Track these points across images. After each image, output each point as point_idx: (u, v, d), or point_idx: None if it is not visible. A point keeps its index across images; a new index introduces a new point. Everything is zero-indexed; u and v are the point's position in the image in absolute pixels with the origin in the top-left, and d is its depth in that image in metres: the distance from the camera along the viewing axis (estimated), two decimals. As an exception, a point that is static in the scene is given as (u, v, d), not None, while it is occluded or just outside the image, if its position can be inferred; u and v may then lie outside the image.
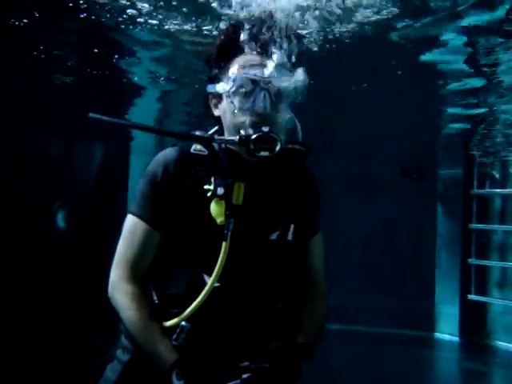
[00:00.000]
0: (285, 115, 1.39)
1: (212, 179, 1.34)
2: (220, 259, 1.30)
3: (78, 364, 4.56)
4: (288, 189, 1.48)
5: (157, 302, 1.39)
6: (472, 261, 7.07)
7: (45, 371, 4.24)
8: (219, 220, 1.33)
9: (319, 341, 1.50)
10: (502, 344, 6.83)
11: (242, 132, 1.34)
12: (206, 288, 1.30)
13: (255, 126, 1.32)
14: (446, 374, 6.10)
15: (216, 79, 1.41)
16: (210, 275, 1.33)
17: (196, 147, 1.42)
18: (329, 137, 6.41)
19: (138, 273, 1.41)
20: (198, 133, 1.44)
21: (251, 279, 1.41)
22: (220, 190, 1.30)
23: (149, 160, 1.44)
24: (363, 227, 7.46)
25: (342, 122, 5.84)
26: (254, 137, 1.30)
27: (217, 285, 1.34)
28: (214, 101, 1.45)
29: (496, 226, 7.08)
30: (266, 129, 1.30)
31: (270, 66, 1.31)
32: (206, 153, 1.42)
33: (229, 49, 1.37)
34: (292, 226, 1.43)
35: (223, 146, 1.41)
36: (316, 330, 1.52)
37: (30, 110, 4.29)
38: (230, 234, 1.31)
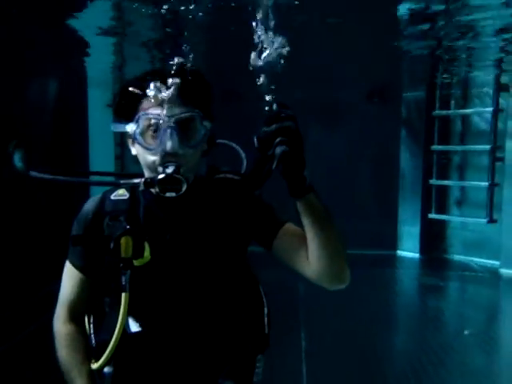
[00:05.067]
0: (199, 150, 1.34)
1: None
2: (122, 310, 1.30)
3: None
4: (223, 215, 1.42)
5: (94, 341, 1.43)
6: (433, 181, 7.32)
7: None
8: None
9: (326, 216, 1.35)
10: (458, 257, 7.28)
11: (147, 173, 1.33)
12: (114, 338, 1.31)
13: (163, 165, 1.28)
14: (407, 288, 6.51)
15: (126, 120, 1.35)
16: (135, 319, 1.37)
17: (118, 192, 1.42)
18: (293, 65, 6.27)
19: (73, 313, 1.49)
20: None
21: (175, 324, 1.39)
22: (111, 245, 1.31)
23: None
24: (328, 152, 7.53)
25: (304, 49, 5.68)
26: (158, 179, 1.27)
27: (138, 330, 1.37)
28: (129, 140, 1.39)
29: (456, 147, 7.28)
30: (169, 170, 1.26)
31: (175, 103, 1.27)
32: (127, 196, 1.41)
33: (134, 93, 1.31)
34: (218, 260, 1.40)
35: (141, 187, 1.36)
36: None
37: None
38: (127, 285, 1.31)
